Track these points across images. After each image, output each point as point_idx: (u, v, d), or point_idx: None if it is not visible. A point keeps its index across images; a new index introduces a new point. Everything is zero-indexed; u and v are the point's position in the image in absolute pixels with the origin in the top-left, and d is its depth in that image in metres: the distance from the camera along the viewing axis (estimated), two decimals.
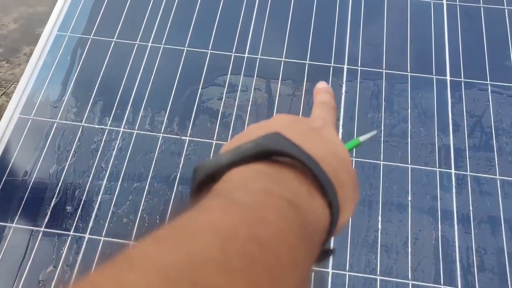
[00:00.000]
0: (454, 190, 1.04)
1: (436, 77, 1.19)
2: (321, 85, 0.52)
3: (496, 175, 1.06)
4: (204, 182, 0.34)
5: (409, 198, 1.03)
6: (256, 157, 0.33)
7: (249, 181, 0.31)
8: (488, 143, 1.10)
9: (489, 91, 1.17)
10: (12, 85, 2.63)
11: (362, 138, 0.49)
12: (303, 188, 0.32)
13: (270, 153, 0.33)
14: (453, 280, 0.94)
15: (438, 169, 1.07)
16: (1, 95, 2.60)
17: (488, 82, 1.18)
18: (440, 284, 0.94)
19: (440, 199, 1.03)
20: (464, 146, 1.10)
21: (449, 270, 0.96)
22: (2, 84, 2.67)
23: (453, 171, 1.07)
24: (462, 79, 1.19)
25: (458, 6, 1.30)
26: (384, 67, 1.20)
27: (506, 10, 1.28)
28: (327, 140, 0.39)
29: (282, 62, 1.21)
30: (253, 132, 0.38)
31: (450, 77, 1.19)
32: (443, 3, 1.30)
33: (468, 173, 1.06)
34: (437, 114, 1.14)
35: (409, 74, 1.19)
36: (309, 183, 0.33)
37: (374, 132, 0.52)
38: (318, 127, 0.41)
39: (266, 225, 0.27)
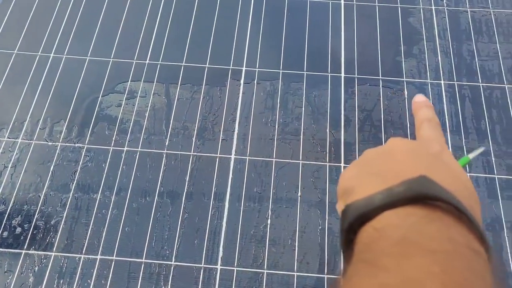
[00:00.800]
0: None
1: (331, 74, 1.24)
2: (420, 98, 0.49)
3: None
4: (355, 223, 0.34)
5: (299, 193, 1.08)
6: (409, 200, 0.33)
7: (423, 226, 0.31)
8: (377, 136, 1.15)
9: (380, 86, 1.22)
10: None
11: (471, 155, 0.49)
12: (469, 234, 0.31)
13: (424, 198, 0.33)
14: (337, 269, 0.99)
15: (328, 164, 1.12)
16: None
17: (380, 77, 1.24)
18: (324, 274, 0.99)
19: (328, 192, 1.08)
20: (354, 140, 1.15)
21: (333, 260, 1.00)
22: None
23: (342, 164, 1.12)
24: (356, 75, 1.24)
25: (355, 6, 1.35)
26: (281, 68, 1.25)
27: (399, 8, 1.34)
28: (452, 169, 0.39)
29: (182, 67, 1.24)
30: (374, 161, 0.40)
31: (345, 74, 1.24)
32: (341, 3, 1.36)
33: None
34: (330, 110, 1.18)
35: (305, 73, 1.24)
36: (467, 228, 0.32)
37: (482, 149, 0.53)
38: (438, 153, 0.41)
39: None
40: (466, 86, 1.22)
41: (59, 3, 1.32)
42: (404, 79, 1.23)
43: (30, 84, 1.20)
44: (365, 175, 0.39)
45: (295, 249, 1.01)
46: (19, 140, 1.12)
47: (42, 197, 1.05)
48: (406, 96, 1.21)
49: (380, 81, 1.23)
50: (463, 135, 1.15)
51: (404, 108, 1.19)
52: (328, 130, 1.16)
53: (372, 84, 1.23)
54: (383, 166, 0.39)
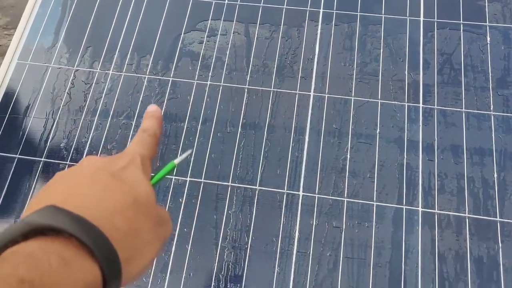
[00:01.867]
0: (420, 122, 1.12)
1: (410, 18, 1.25)
2: (150, 108, 0.51)
3: (462, 108, 1.13)
4: None
5: (378, 130, 1.12)
6: (28, 235, 0.33)
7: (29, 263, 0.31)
8: (456, 79, 1.17)
9: (461, 30, 1.23)
10: None
11: (177, 160, 0.51)
12: (59, 258, 0.32)
13: (41, 230, 0.33)
14: (414, 201, 1.04)
15: (406, 104, 1.15)
16: None
17: (461, 22, 1.24)
18: (402, 205, 1.03)
19: (407, 130, 1.11)
20: (433, 82, 1.17)
21: (411, 192, 1.05)
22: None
23: (421, 105, 1.14)
24: (435, 20, 1.25)
25: None
26: (359, 10, 1.27)
27: None
28: (126, 185, 0.40)
29: (260, 7, 1.28)
30: (57, 185, 0.40)
31: (424, 18, 1.25)
32: None
33: (435, 106, 1.14)
34: (408, 53, 1.21)
35: (383, 16, 1.26)
36: (77, 247, 0.34)
37: (188, 152, 0.56)
38: (122, 168, 0.42)
39: None
40: None
41: None
42: (487, 23, 1.24)
43: (117, 19, 1.27)
44: (41, 201, 0.37)
45: (374, 181, 1.06)
46: (110, 72, 1.20)
47: (133, 124, 1.14)
48: (488, 42, 1.21)
49: (461, 25, 1.24)
50: None
51: (487, 53, 1.20)
52: (406, 72, 1.19)
53: (453, 28, 1.24)
54: (60, 191, 0.39)
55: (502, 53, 1.20)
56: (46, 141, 1.13)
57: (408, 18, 1.26)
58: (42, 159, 1.11)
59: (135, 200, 0.39)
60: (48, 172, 1.10)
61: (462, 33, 1.23)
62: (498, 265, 0.97)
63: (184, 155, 0.53)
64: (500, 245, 0.99)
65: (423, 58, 1.20)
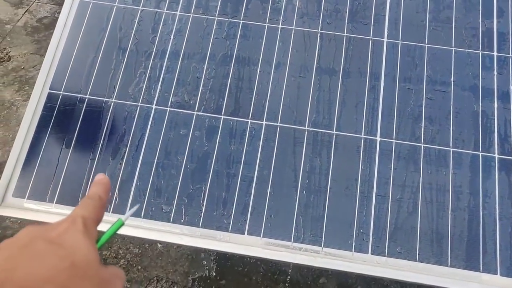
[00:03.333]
0: (495, 70, 1.09)
1: None
2: (97, 177, 0.52)
3: None
4: None
5: (452, 78, 1.09)
6: None
7: None
8: None
9: None
10: None
11: (125, 217, 0.50)
12: None
13: None
14: (491, 147, 1.02)
15: (480, 52, 1.11)
16: None
17: None
18: (479, 151, 1.02)
19: (482, 78, 1.09)
20: (508, 30, 1.13)
21: (488, 139, 1.03)
22: None
23: (495, 53, 1.11)
24: None
25: None
26: None
27: None
28: (63, 249, 0.40)
29: None
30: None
31: None
32: None
33: (510, 55, 1.11)
34: (482, 0, 1.16)
35: None
36: None
37: (136, 207, 0.57)
38: (60, 233, 0.42)
39: None
40: None
41: None
42: None
43: None
44: None
45: (450, 128, 1.04)
46: (178, 13, 1.15)
47: (205, 67, 1.10)
48: None
49: None
50: None
51: None
52: (480, 20, 1.15)
53: None
54: None
55: None
56: (115, 81, 1.09)
57: None
58: (113, 100, 1.07)
59: (72, 263, 0.39)
60: (119, 111, 1.06)
61: None
62: None
63: (131, 211, 0.53)
64: None
65: (497, 5, 1.16)
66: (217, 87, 1.08)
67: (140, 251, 1.64)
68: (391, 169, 1.01)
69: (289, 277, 1.60)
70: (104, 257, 1.59)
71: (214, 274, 1.61)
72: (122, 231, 1.00)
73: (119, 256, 1.63)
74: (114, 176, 1.01)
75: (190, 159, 1.02)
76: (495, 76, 1.09)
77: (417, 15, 1.15)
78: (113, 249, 1.63)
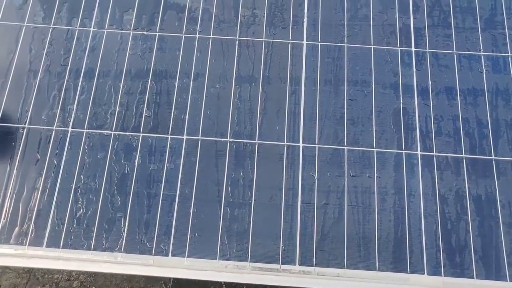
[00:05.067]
0: (414, 66, 1.01)
1: None
2: None
3: (453, 50, 1.03)
4: None
5: (373, 76, 1.00)
6: None
7: None
8: (446, 21, 1.06)
9: None
10: None
11: None
12: None
13: None
14: (413, 145, 0.95)
15: (399, 48, 1.03)
16: None
17: None
18: (402, 150, 0.95)
19: (401, 75, 1.01)
20: (424, 25, 1.05)
21: (410, 137, 0.96)
22: None
23: (413, 49, 1.03)
24: None
25: None
26: None
27: None
28: None
29: None
30: None
31: None
32: None
33: (427, 50, 1.03)
34: None
35: None
36: None
37: None
38: None
39: None
40: None
41: None
42: None
43: None
44: None
45: (372, 128, 0.96)
46: (91, 29, 1.03)
47: (121, 84, 0.98)
48: None
49: None
50: None
51: None
52: (397, 16, 1.06)
53: None
54: None
55: None
56: (26, 107, 0.96)
57: None
58: (26, 125, 0.95)
59: None
60: (32, 137, 0.94)
61: None
62: (496, 201, 0.91)
63: None
64: (496, 182, 0.93)
65: (412, 1, 1.08)
66: (134, 104, 0.97)
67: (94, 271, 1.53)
68: (315, 175, 0.92)
69: None
70: (56, 280, 1.46)
71: None
72: (40, 264, 0.87)
73: (72, 278, 1.50)
74: (30, 208, 0.89)
75: (109, 182, 0.91)
76: (414, 73, 1.01)
77: (335, 14, 1.06)
78: (66, 271, 1.50)
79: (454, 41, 1.04)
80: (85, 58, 1.00)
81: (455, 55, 1.03)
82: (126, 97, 0.97)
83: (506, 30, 1.04)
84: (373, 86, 0.99)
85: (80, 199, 0.89)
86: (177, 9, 1.05)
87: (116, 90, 0.98)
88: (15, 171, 0.90)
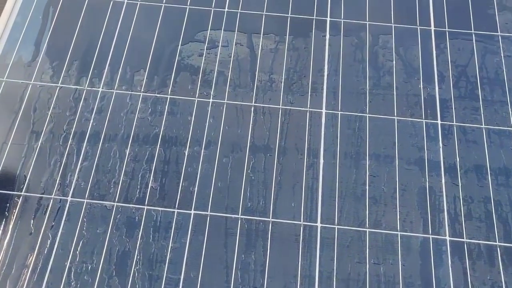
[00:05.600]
0: (440, 141, 0.93)
1: (421, 27, 1.06)
2: None
3: (482, 125, 0.95)
4: None
5: (396, 150, 0.92)
6: None
7: None
8: (474, 93, 0.99)
9: (473, 40, 1.04)
10: None
11: None
12: None
13: None
14: (441, 229, 0.85)
15: (424, 120, 0.95)
16: None
17: (472, 31, 1.05)
18: (429, 234, 0.85)
19: (427, 150, 0.92)
20: (450, 96, 0.98)
21: (437, 220, 0.86)
22: None
23: (439, 121, 0.95)
24: (447, 29, 1.05)
25: None
26: (367, 19, 1.06)
27: None
28: None
29: (264, 16, 1.06)
30: None
31: (435, 27, 1.06)
32: None
33: (454, 123, 0.95)
34: (422, 65, 1.01)
35: (393, 25, 1.06)
36: None
37: None
38: None
39: None
40: None
41: None
42: (499, 33, 1.05)
43: (107, 29, 1.02)
44: None
45: (396, 208, 0.87)
46: (100, 89, 0.96)
47: (128, 150, 0.90)
48: (502, 52, 1.03)
49: (473, 35, 1.05)
50: None
51: (501, 64, 1.02)
52: (421, 86, 0.99)
53: (465, 39, 1.05)
54: None
55: None
56: (25, 173, 0.88)
57: (418, 28, 1.06)
58: (22, 193, 0.86)
59: None
60: (28, 207, 0.85)
61: (474, 44, 1.04)
62: None
63: None
64: None
65: (437, 70, 1.01)
66: (140, 173, 0.89)
67: None
68: (333, 260, 0.83)
69: None
70: None
71: None
72: None
73: None
74: None
75: (108, 261, 0.81)
76: (441, 148, 0.93)
77: (357, 82, 0.99)
78: None
79: (482, 114, 0.96)
80: (91, 121, 0.93)
81: (483, 130, 0.95)
82: (131, 165, 0.89)
83: None
84: (397, 161, 0.91)
85: (74, 281, 0.79)
86: (190, 71, 0.99)
87: (122, 157, 0.89)
88: (5, 245, 0.81)
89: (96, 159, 0.89)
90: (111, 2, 1.05)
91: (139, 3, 1.05)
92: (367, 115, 0.95)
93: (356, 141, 0.92)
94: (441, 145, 0.92)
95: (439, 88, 0.98)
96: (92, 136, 0.91)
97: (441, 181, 0.89)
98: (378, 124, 0.94)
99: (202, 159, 0.89)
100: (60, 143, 0.90)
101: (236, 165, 0.89)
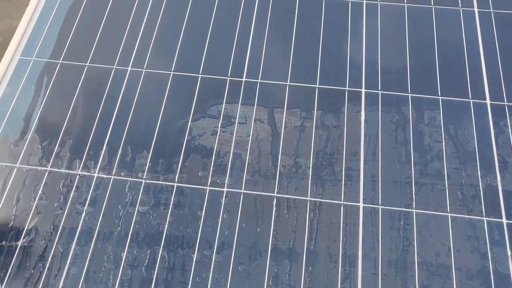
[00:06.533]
0: (508, 247, 0.79)
1: (474, 100, 0.94)
2: None
3: None
4: None
5: (452, 257, 0.78)
6: None
7: None
8: None
9: None
10: None
11: None
12: None
13: None
14: None
15: (485, 218, 0.82)
16: None
17: None
18: None
19: (491, 258, 0.78)
20: None
21: None
22: None
23: (504, 220, 0.82)
24: (505, 103, 0.94)
25: (492, 14, 1.05)
26: (409, 90, 0.95)
27: None
28: None
29: (287, 87, 0.96)
30: None
31: (491, 100, 0.94)
32: (474, 11, 1.05)
33: None
34: (478, 147, 0.89)
35: (440, 98, 0.94)
36: None
37: None
38: None
39: None
40: None
41: (133, 12, 1.05)
42: None
43: (105, 103, 0.93)
44: None
45: None
46: (95, 175, 0.86)
47: (125, 252, 0.78)
48: None
49: None
50: None
51: None
52: (479, 174, 0.86)
53: None
54: None
55: None
56: (9, 274, 0.77)
57: (471, 101, 0.94)
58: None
59: None
60: None
61: None
62: None
63: None
64: None
65: (497, 154, 0.88)
66: (138, 284, 0.77)
67: None
68: None
69: None
70: None
71: None
72: None
73: None
74: None
75: None
76: (510, 256, 0.79)
77: (400, 168, 0.87)
78: None
79: None
80: (83, 214, 0.82)
81: None
82: (129, 273, 0.77)
83: None
84: (454, 272, 0.77)
85: None
86: (202, 153, 0.88)
87: (117, 262, 0.78)
88: None
89: (86, 264, 0.77)
90: (113, 70, 0.96)
91: (144, 70, 0.97)
92: (414, 210, 0.82)
93: (401, 245, 0.79)
94: (509, 252, 0.78)
95: (501, 178, 0.85)
96: (83, 234, 0.80)
97: None
98: (428, 221, 0.81)
99: (214, 267, 0.77)
100: (44, 243, 0.79)
101: (255, 275, 0.76)
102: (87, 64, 0.97)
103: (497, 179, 0.85)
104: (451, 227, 0.81)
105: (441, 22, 1.03)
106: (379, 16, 1.05)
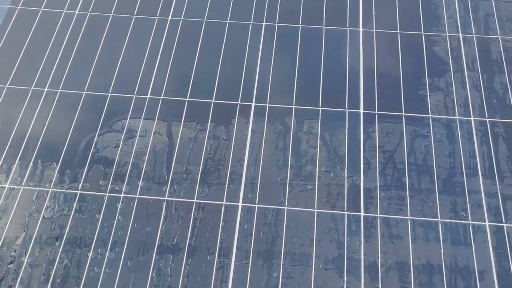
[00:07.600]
0: (362, 236, 0.96)
1: (349, 110, 1.11)
2: None
3: (407, 216, 0.98)
4: None
5: (314, 247, 0.95)
6: None
7: None
8: (400, 181, 1.02)
9: (403, 123, 1.09)
10: None
11: None
12: None
13: None
14: None
15: (346, 213, 0.99)
16: None
17: (403, 113, 1.11)
18: None
19: (347, 246, 0.95)
20: (375, 185, 1.02)
21: None
22: None
23: (362, 213, 0.99)
24: (376, 111, 1.11)
25: (374, 34, 1.23)
26: (294, 103, 1.13)
27: (423, 36, 1.21)
28: None
29: (186, 102, 1.13)
30: None
31: (364, 109, 1.12)
32: (359, 30, 1.24)
33: (378, 215, 0.98)
34: (347, 151, 1.06)
35: (320, 108, 1.12)
36: None
37: None
38: None
39: None
40: (500, 123, 1.09)
41: (54, 35, 1.22)
42: (430, 115, 1.11)
43: (22, 120, 1.09)
44: None
45: None
46: (6, 186, 1.02)
47: (25, 261, 0.94)
48: (432, 135, 1.08)
49: (403, 118, 1.10)
50: (497, 179, 1.02)
51: (430, 149, 1.06)
52: (346, 175, 1.03)
53: (394, 122, 1.10)
54: None
55: (447, 150, 1.06)
56: None
57: (347, 111, 1.12)
58: None
59: None
60: None
61: (404, 127, 1.09)
62: None
63: None
64: None
65: (363, 156, 1.06)
66: (38, 277, 0.92)
67: None
68: None
69: None
70: None
71: None
72: None
73: None
74: None
75: None
76: (362, 244, 0.95)
77: (277, 171, 1.04)
78: None
79: (408, 204, 0.99)
80: None
81: (409, 221, 0.97)
82: (31, 270, 0.92)
83: None
84: (314, 260, 0.93)
85: None
86: (104, 163, 1.04)
87: (19, 264, 0.93)
88: None
89: None
90: (30, 91, 1.13)
91: (59, 91, 1.13)
92: (286, 207, 0.99)
93: (271, 239, 0.95)
94: (362, 240, 0.95)
95: (364, 177, 1.02)
96: None
97: (360, 282, 0.91)
98: (297, 217, 0.97)
99: (106, 263, 0.93)
100: None
101: (141, 268, 0.92)
102: (6, 86, 1.14)
103: (360, 178, 1.02)
104: (316, 221, 0.97)
105: (328, 44, 1.21)
106: (275, 37, 1.23)
